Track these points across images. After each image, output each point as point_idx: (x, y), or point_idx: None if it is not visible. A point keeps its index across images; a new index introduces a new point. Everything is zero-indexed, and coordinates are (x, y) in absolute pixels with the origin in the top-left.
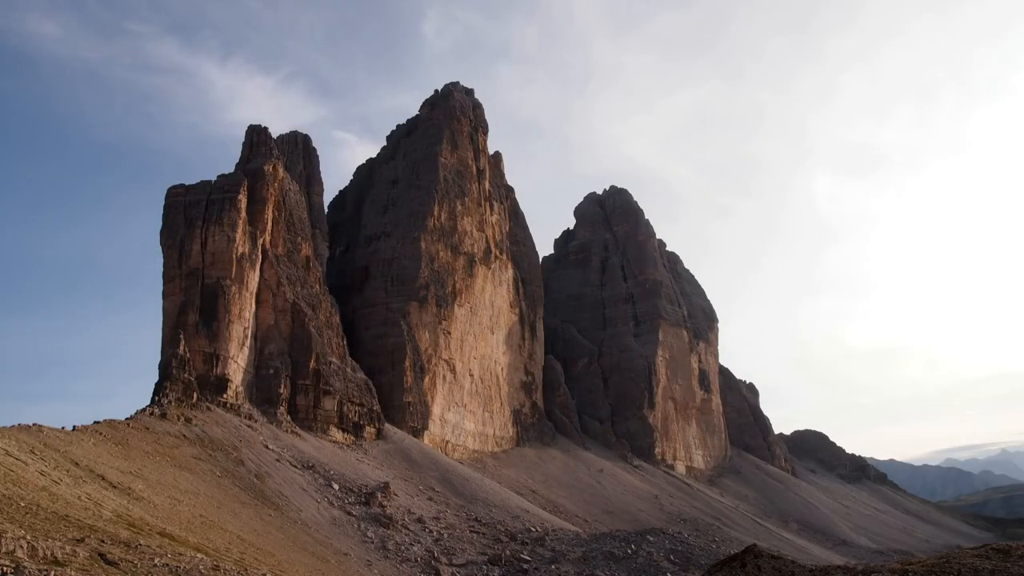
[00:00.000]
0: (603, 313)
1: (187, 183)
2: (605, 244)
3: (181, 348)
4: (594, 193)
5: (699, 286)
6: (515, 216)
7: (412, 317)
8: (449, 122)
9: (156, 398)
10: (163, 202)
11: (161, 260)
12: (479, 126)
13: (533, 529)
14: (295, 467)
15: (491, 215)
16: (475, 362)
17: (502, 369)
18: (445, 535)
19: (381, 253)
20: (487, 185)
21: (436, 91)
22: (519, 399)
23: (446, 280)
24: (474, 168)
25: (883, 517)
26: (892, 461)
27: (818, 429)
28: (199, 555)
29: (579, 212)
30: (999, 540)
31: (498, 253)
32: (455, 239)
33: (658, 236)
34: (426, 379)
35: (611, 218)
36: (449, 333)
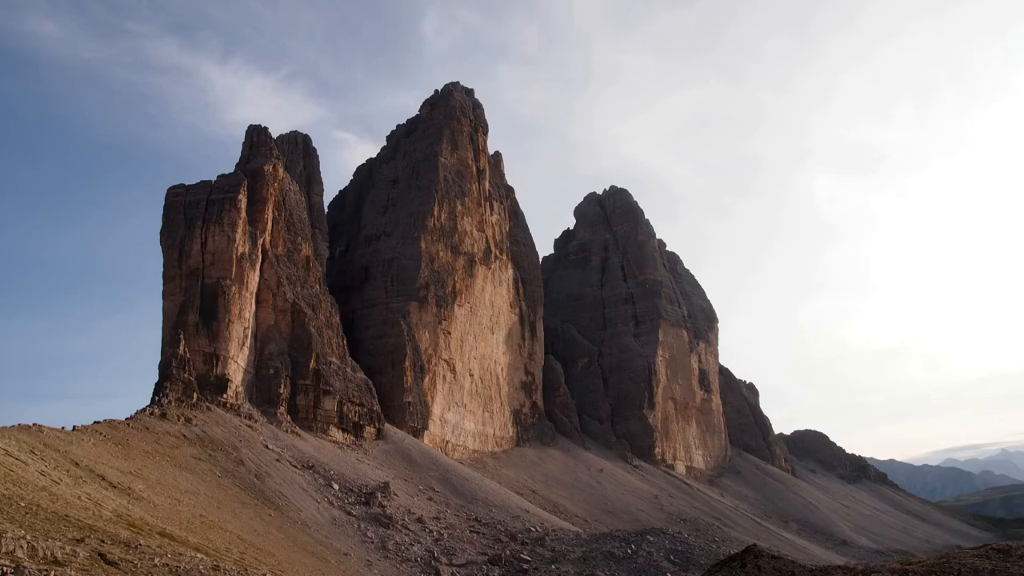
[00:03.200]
0: (603, 313)
1: (187, 183)
2: (605, 244)
3: (181, 348)
4: (594, 193)
5: (699, 286)
6: (515, 216)
7: (412, 317)
8: (449, 122)
9: (156, 398)
10: (163, 202)
11: (161, 260)
12: (479, 126)
13: (533, 529)
14: (295, 467)
15: (491, 215)
16: (475, 362)
17: (502, 369)
18: (445, 535)
19: (381, 253)
20: (487, 185)
21: (436, 91)
22: (519, 399)
23: (446, 280)
24: (474, 168)
25: (883, 517)
26: (892, 461)
27: (818, 429)
28: (199, 555)
29: (579, 212)
30: (999, 540)
31: (498, 253)
32: (455, 239)
33: (658, 236)
34: (426, 379)
35: (611, 218)
36: (449, 333)
